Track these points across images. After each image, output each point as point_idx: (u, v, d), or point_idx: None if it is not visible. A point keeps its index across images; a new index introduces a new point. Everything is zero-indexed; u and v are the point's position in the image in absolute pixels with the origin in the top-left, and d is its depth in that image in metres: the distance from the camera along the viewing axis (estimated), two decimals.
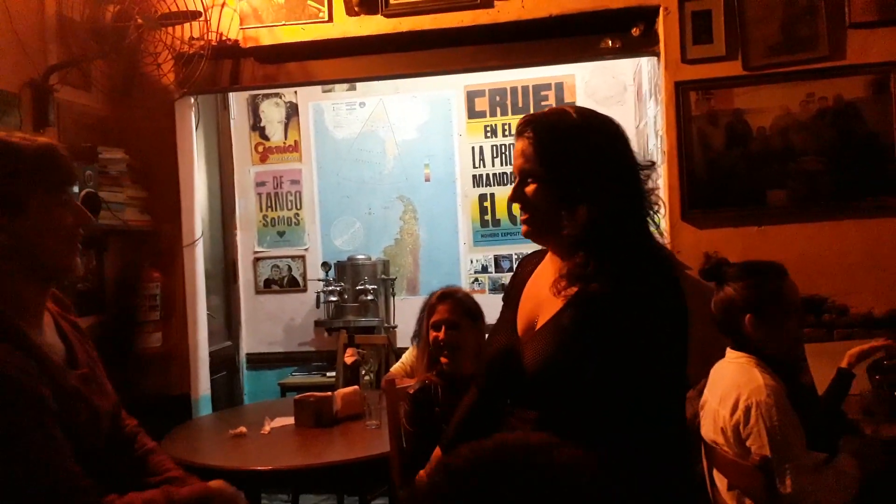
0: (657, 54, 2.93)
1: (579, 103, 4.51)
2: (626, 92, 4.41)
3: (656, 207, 1.35)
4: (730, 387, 1.88)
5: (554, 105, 4.53)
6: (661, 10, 2.85)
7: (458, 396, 2.16)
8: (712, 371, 2.05)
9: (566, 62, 3.95)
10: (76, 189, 1.56)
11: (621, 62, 4.14)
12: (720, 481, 1.94)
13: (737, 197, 2.78)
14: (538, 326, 1.33)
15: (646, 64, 3.46)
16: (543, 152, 1.31)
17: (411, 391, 2.29)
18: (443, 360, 2.31)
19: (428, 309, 2.40)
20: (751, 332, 1.91)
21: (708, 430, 1.97)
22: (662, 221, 2.93)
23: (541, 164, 1.31)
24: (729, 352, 1.99)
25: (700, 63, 2.81)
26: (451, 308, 2.34)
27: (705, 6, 2.80)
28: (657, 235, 1.35)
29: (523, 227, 1.37)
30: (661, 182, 2.99)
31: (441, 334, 2.30)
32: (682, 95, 2.82)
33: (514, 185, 1.37)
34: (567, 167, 1.30)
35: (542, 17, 2.94)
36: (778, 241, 2.72)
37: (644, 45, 2.98)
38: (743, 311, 1.92)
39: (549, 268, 1.39)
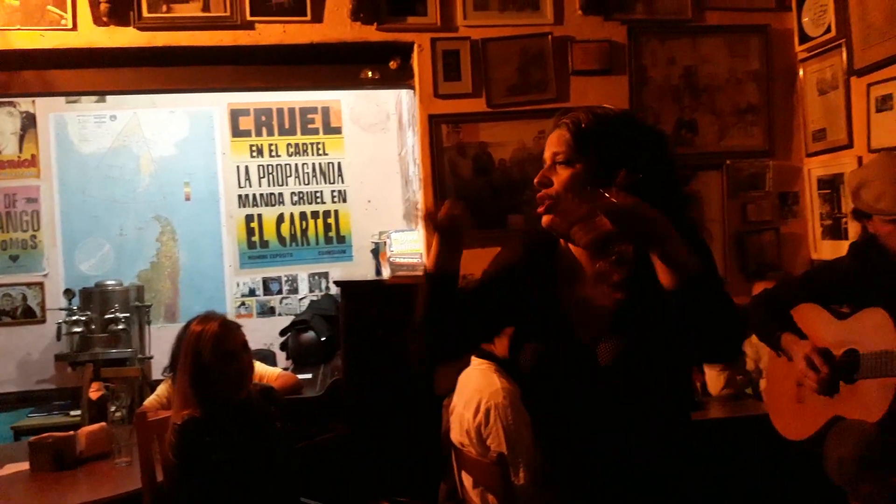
0: (413, 87, 3.14)
1: (345, 129, 4.65)
2: (389, 120, 4.62)
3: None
4: (473, 391, 2.08)
5: (321, 128, 4.62)
6: (416, 46, 3.06)
7: (228, 425, 2.19)
8: (460, 377, 2.24)
9: (327, 88, 4.07)
10: None
11: (385, 92, 4.34)
12: (467, 481, 2.12)
13: (483, 221, 3.05)
14: (602, 324, 1.31)
15: (405, 95, 3.67)
16: (583, 137, 1.31)
17: (179, 422, 2.19)
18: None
19: (215, 338, 2.24)
20: None
21: (455, 434, 2.14)
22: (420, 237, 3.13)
23: (579, 149, 1.31)
24: (473, 359, 2.19)
25: (450, 98, 3.07)
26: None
27: (454, 46, 3.06)
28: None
29: (546, 217, 1.33)
30: (421, 207, 3.19)
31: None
32: (434, 127, 3.05)
33: (541, 171, 1.35)
34: (608, 151, 1.30)
35: (304, 43, 3.01)
36: None
37: (401, 78, 3.18)
38: None
39: (580, 264, 1.37)
